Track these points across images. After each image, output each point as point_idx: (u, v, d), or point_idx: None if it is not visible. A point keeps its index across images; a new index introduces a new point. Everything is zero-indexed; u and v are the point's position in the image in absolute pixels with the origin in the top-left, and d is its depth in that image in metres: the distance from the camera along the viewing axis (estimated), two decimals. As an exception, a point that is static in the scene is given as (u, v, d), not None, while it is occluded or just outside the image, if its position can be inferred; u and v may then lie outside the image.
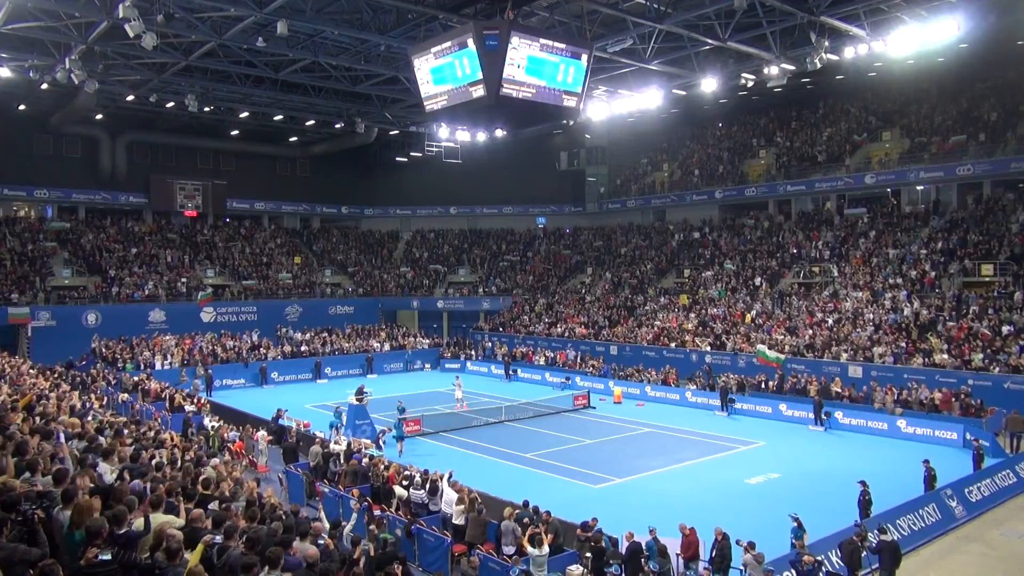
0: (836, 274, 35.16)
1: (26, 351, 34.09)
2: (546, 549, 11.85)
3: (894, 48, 23.72)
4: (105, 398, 23.73)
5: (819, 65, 24.26)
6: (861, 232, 37.15)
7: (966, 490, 17.02)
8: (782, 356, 29.11)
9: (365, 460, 17.61)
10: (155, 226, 45.50)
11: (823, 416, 25.88)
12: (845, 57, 25.01)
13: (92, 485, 7.81)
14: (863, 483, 15.63)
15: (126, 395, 25.84)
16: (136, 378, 29.74)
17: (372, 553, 10.21)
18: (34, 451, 8.44)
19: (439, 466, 16.96)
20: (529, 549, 11.78)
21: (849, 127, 42.49)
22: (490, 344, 42.80)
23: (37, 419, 10.95)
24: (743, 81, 29.34)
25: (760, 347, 29.25)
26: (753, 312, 35.22)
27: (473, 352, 42.82)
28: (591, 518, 13.31)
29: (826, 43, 23.55)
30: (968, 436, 22.01)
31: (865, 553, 12.61)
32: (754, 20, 23.82)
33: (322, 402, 30.37)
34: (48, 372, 25.80)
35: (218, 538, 6.90)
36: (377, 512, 14.43)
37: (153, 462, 11.52)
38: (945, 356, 27.09)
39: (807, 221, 40.79)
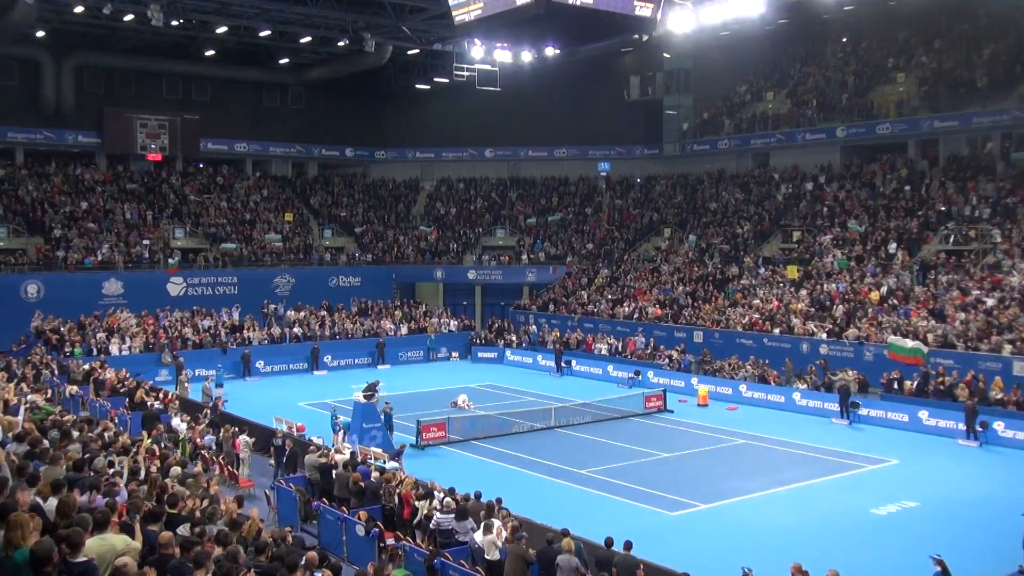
0: (999, 239, 34.28)
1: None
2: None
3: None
4: (49, 391, 24.38)
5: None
6: (1034, 183, 36.19)
7: None
8: (924, 348, 28.55)
9: (375, 474, 17.80)
10: (110, 174, 46.40)
11: (978, 427, 25.41)
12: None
13: (33, 500, 8.01)
14: (1031, 516, 15.35)
15: (75, 387, 26.50)
16: (88, 366, 30.51)
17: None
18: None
19: (468, 483, 17.06)
20: None
21: (1020, 43, 41.11)
22: (536, 328, 42.86)
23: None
24: (877, -20, 28.56)
25: (892, 339, 28.69)
26: (884, 289, 34.59)
27: (514, 338, 42.95)
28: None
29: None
30: None
31: None
32: None
33: (320, 399, 30.74)
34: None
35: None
36: (391, 540, 14.60)
37: (111, 471, 11.81)
38: None
39: (960, 168, 39.80)
